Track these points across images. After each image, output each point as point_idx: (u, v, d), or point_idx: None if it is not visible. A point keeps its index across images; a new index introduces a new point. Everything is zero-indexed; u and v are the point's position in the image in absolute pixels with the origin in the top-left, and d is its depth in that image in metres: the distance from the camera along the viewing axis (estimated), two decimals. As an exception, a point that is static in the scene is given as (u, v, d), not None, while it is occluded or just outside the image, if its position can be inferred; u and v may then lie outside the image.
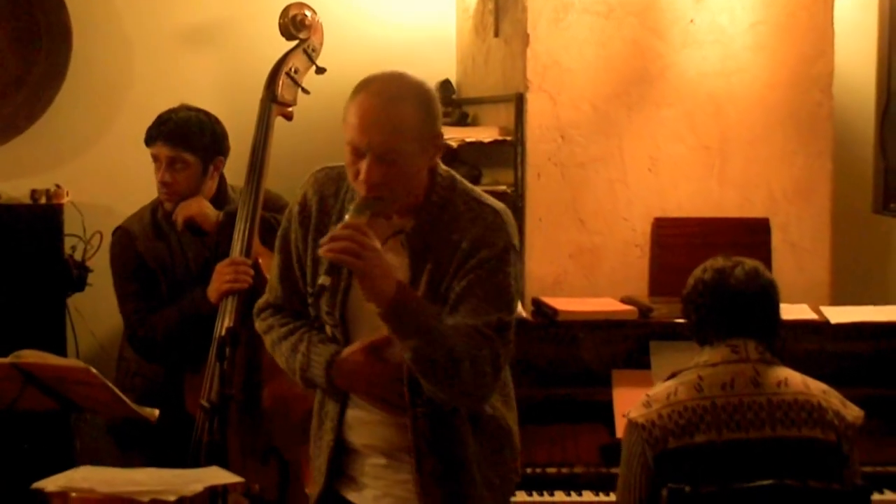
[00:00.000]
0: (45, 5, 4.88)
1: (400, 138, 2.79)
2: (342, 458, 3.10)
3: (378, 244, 2.78)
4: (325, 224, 2.99)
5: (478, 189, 3.06)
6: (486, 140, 4.78)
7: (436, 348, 2.79)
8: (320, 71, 4.33)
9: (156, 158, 4.17)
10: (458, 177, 3.02)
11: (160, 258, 4.20)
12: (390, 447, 3.04)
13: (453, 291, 2.89)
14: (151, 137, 4.17)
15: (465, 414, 2.99)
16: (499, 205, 3.00)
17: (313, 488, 3.36)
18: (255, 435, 3.98)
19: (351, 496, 3.12)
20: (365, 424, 3.06)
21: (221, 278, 4.04)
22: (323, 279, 2.83)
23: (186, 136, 4.15)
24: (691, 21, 4.72)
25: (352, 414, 3.07)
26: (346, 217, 2.82)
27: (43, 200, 4.70)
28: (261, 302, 3.21)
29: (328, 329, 3.05)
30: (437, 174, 2.96)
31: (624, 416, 3.30)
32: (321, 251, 2.77)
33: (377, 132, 2.79)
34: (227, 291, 4.03)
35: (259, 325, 3.19)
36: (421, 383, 2.89)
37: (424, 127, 2.83)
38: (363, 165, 2.81)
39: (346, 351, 2.98)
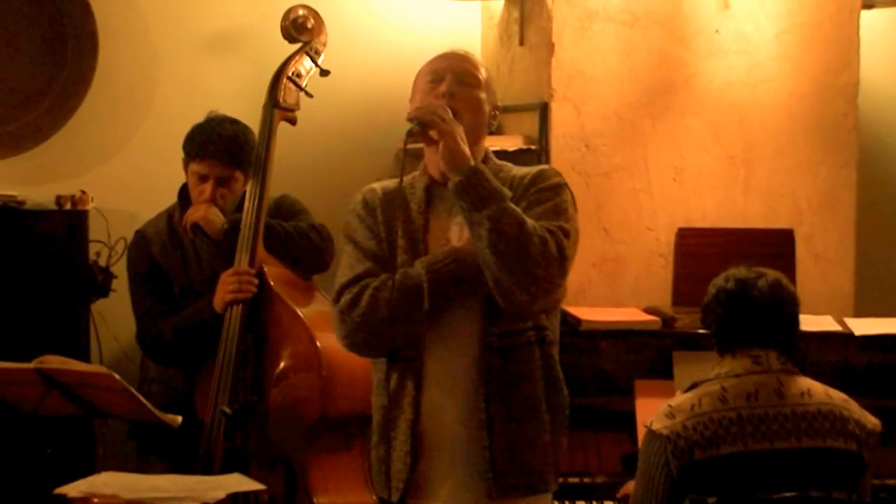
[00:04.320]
0: (72, 12, 4.89)
1: (472, 67, 3.20)
2: (418, 460, 3.06)
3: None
4: (391, 211, 3.14)
5: None
6: (511, 149, 4.76)
7: (508, 218, 2.95)
8: (325, 73, 4.29)
9: (202, 176, 4.14)
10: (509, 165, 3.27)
11: (173, 263, 4.21)
12: (465, 394, 3.05)
13: None
14: (206, 153, 4.12)
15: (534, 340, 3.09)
16: None
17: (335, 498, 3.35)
18: (262, 441, 3.98)
19: None
20: (442, 379, 3.08)
21: (225, 288, 4.01)
22: (413, 128, 3.02)
23: (238, 154, 4.14)
24: (716, 31, 4.72)
25: (427, 395, 3.08)
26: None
27: (68, 206, 4.71)
28: (342, 281, 3.15)
29: None
30: (490, 159, 3.21)
31: (645, 426, 3.28)
32: (409, 115, 3.05)
33: (457, 59, 3.21)
34: (230, 301, 4.01)
35: (345, 299, 3.11)
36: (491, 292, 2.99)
37: (488, 77, 3.23)
38: (443, 86, 3.12)
39: None
